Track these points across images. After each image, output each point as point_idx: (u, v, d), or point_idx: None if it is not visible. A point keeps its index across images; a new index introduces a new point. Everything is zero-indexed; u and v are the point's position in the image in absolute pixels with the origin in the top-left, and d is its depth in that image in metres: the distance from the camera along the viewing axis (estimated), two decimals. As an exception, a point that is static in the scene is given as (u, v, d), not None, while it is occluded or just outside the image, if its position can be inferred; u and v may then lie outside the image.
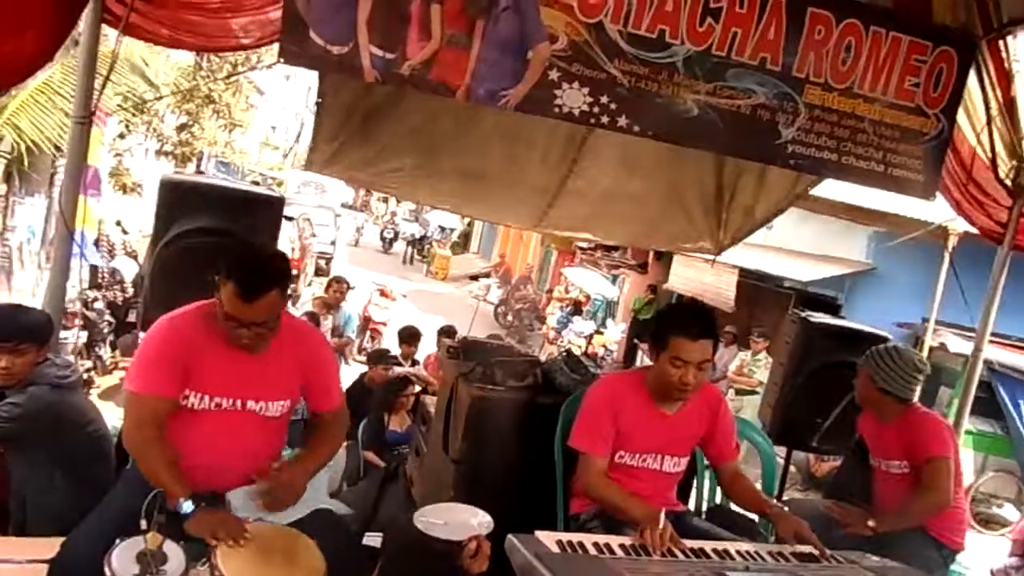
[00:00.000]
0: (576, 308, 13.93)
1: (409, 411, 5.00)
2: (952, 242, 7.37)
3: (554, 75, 3.06)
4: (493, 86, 3.05)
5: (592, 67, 3.09)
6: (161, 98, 10.40)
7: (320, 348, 2.49)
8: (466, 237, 29.48)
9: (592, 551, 2.07)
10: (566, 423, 2.75)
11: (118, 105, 7.18)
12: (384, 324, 11.05)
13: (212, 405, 2.26)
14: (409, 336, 6.55)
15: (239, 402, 2.28)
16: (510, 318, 15.55)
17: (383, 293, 11.28)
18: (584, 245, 16.14)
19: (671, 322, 2.56)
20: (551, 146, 5.02)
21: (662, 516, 2.37)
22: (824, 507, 3.33)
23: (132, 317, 8.58)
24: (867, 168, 3.61)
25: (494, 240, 25.77)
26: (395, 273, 19.49)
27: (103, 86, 2.96)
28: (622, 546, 2.15)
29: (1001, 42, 3.61)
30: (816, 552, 2.34)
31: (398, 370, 5.28)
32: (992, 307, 4.29)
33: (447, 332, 7.65)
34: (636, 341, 12.36)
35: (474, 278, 21.33)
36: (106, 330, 7.96)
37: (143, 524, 1.81)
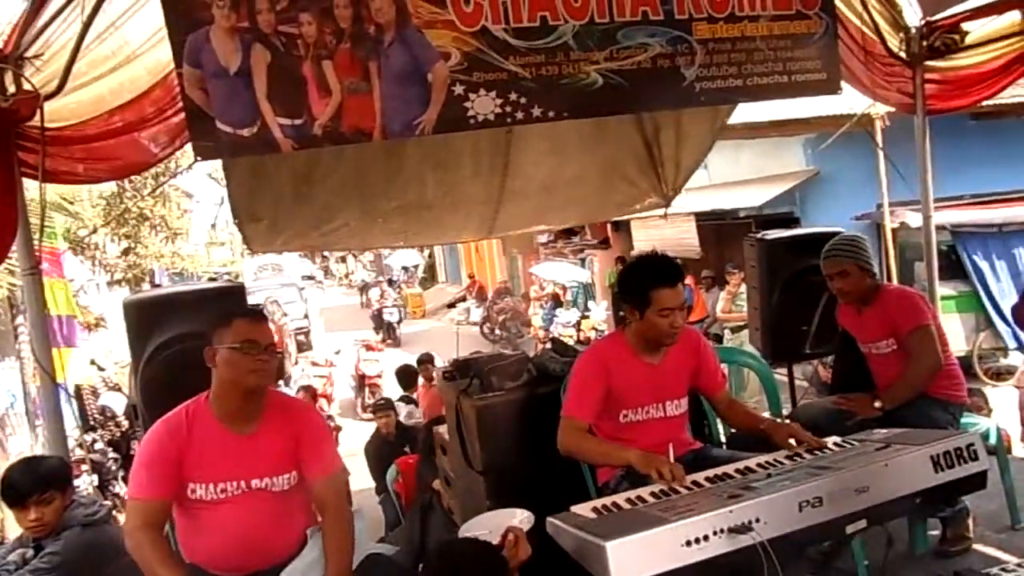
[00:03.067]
0: (556, 301, 14.07)
1: None
2: (879, 125, 7.62)
3: (459, 89, 3.14)
4: (405, 118, 3.12)
5: (491, 70, 3.18)
6: (96, 230, 10.41)
7: (309, 417, 2.55)
8: (431, 269, 29.59)
9: (626, 506, 2.18)
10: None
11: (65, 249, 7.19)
12: (379, 376, 11.12)
13: (219, 492, 2.32)
14: (406, 374, 6.64)
15: (243, 483, 2.33)
16: (497, 332, 15.64)
17: (368, 347, 11.37)
18: (544, 239, 16.31)
19: (646, 277, 2.67)
20: (479, 157, 5.14)
21: (670, 451, 2.50)
22: (832, 403, 3.48)
23: (133, 448, 8.60)
24: (772, 83, 3.73)
25: (458, 264, 25.89)
26: (371, 326, 19.49)
27: (40, 233, 3.03)
28: (652, 494, 2.26)
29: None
30: (820, 444, 2.46)
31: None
32: (927, 175, 4.48)
33: (426, 360, 7.79)
34: (622, 313, 12.50)
35: (451, 305, 21.35)
36: (114, 467, 7.94)
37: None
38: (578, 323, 12.70)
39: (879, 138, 7.97)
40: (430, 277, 29.25)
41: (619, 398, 2.71)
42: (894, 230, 8.41)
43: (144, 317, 3.35)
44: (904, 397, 3.22)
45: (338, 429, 8.31)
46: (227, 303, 3.49)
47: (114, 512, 7.51)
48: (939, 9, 3.97)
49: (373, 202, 5.27)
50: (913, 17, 4.14)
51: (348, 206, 5.19)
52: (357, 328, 18.56)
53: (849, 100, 8.17)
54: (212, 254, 30.43)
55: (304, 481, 2.43)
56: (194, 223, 21.91)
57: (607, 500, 2.26)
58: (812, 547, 2.66)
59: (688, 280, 8.84)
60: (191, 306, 3.41)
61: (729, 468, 2.38)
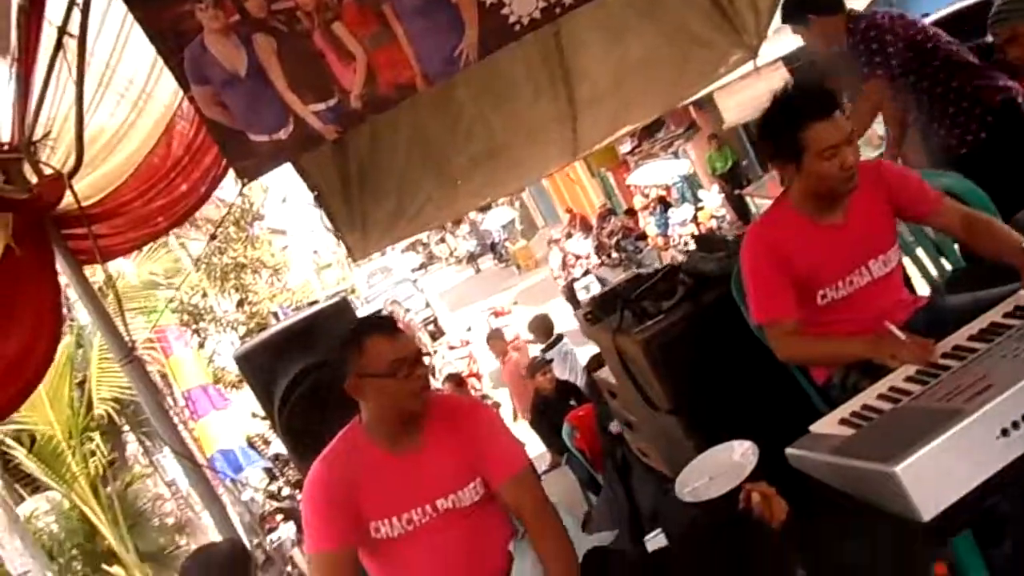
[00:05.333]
0: (664, 203, 13.31)
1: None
2: None
3: (489, -1, 2.67)
4: (443, 53, 2.70)
5: (519, -37, 2.68)
6: (206, 294, 10.62)
7: (477, 416, 2.18)
8: (528, 219, 29.16)
9: (884, 406, 1.66)
10: (744, 301, 2.36)
11: (178, 322, 7.27)
12: (517, 338, 10.88)
13: (405, 524, 2.01)
14: (540, 327, 6.33)
15: (428, 508, 2.01)
16: (614, 255, 15.06)
17: (496, 313, 11.14)
18: (627, 148, 15.48)
19: (790, 117, 2.08)
20: (535, 75, 4.60)
21: (893, 329, 1.95)
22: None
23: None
24: None
25: (551, 204, 25.34)
26: (492, 292, 19.38)
27: (122, 316, 2.81)
28: (908, 379, 1.74)
29: None
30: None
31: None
32: None
33: (494, 336, 8.32)
34: (738, 192, 11.65)
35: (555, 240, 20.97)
36: (305, 507, 8.10)
37: None
38: (695, 218, 11.91)
39: None
40: (529, 227, 28.82)
41: (810, 278, 2.16)
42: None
43: (260, 366, 3.13)
44: None
45: (497, 405, 8.11)
46: (339, 321, 3.22)
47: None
48: None
49: (445, 164, 4.86)
50: None
51: (423, 178, 4.81)
52: (478, 299, 18.48)
53: None
54: (324, 277, 31.42)
55: (491, 488, 2.07)
56: (294, 255, 22.44)
57: (854, 406, 1.74)
58: None
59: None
60: (302, 338, 3.17)
61: (996, 316, 1.79)
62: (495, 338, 8.52)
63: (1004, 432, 1.34)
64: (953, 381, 1.57)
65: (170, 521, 6.97)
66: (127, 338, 2.71)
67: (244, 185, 2.67)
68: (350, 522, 1.98)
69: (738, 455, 2.26)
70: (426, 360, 2.01)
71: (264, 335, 3.31)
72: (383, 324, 2.08)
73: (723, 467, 2.26)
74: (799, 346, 2.15)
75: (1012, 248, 2.01)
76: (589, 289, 11.09)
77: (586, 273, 11.87)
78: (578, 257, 12.32)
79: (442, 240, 36.16)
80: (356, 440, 2.06)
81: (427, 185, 4.91)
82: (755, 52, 5.46)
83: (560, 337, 7.59)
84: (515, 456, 2.12)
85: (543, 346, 7.72)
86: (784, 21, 3.47)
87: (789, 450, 1.72)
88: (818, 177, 2.09)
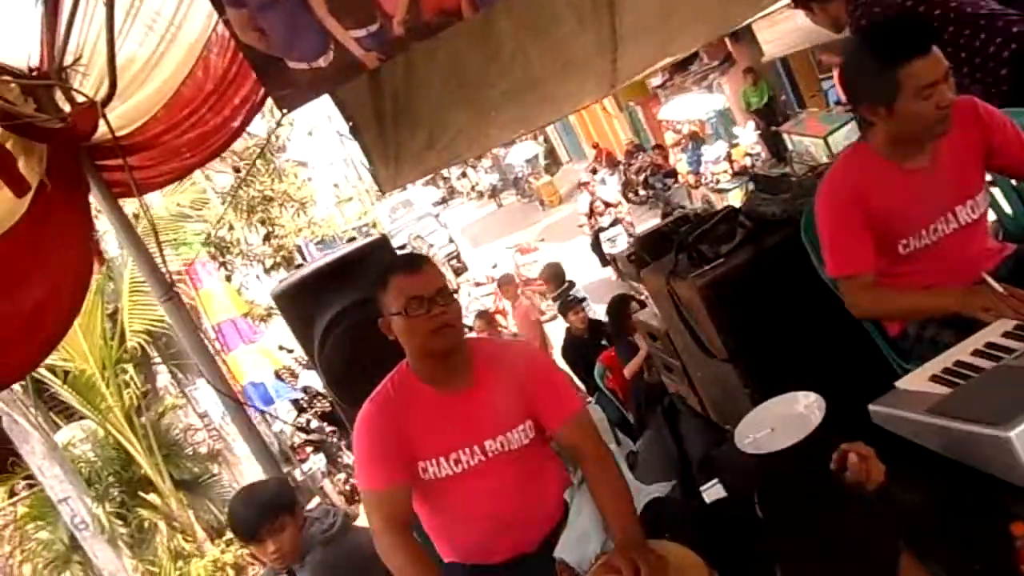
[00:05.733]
0: (697, 139, 12.95)
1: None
2: None
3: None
4: (490, -25, 2.53)
5: None
6: (232, 227, 10.56)
7: (530, 358, 2.09)
8: (552, 154, 28.69)
9: (983, 363, 1.55)
10: (815, 247, 2.22)
11: (209, 255, 7.23)
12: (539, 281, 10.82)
13: (453, 464, 1.96)
14: (553, 275, 6.21)
15: (476, 448, 1.96)
16: (642, 192, 14.79)
17: (522, 250, 11.01)
18: (658, 81, 15.01)
19: (885, 54, 1.91)
20: (578, 4, 4.41)
21: (990, 280, 1.82)
22: None
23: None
24: None
25: (577, 139, 24.87)
26: (516, 228, 19.21)
27: (161, 254, 2.73)
28: (1006, 335, 1.61)
29: None
30: None
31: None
32: None
33: (504, 282, 8.20)
34: (773, 129, 11.29)
35: (584, 183, 20.64)
36: (335, 439, 8.20)
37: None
38: (728, 155, 11.58)
39: None
40: (553, 162, 28.37)
41: (892, 227, 2.01)
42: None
43: (299, 304, 3.07)
44: None
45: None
46: (377, 258, 3.14)
47: (351, 481, 7.84)
48: None
49: (480, 95, 4.67)
50: None
51: (456, 109, 4.64)
52: (502, 235, 18.32)
53: None
54: (345, 211, 31.31)
55: (544, 432, 2.01)
56: (318, 188, 22.30)
57: (947, 362, 1.62)
58: None
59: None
60: (341, 275, 3.10)
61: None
62: (506, 283, 8.48)
63: None
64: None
65: (203, 451, 7.09)
66: (166, 273, 2.63)
67: (283, 116, 2.54)
68: (400, 462, 1.94)
69: (802, 407, 2.15)
70: (448, 298, 1.91)
71: (301, 272, 3.23)
72: (405, 261, 2.05)
73: (786, 419, 2.16)
74: (879, 300, 2.03)
75: None
76: (615, 242, 10.35)
77: (614, 223, 10.71)
78: (608, 205, 10.93)
79: (463, 175, 35.80)
80: (405, 380, 2.02)
81: (460, 117, 4.74)
82: (809, -26, 5.16)
83: (572, 284, 7.55)
84: (571, 398, 2.05)
85: (555, 293, 7.66)
86: (795, 5, 3.34)
87: (873, 407, 1.62)
88: (913, 117, 1.92)
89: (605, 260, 10.56)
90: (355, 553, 2.75)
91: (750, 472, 2.15)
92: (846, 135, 8.85)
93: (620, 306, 4.95)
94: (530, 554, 2.00)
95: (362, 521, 2.52)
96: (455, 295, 1.96)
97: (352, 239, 3.53)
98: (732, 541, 1.95)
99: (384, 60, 2.60)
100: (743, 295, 2.50)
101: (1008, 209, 2.49)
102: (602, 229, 10.68)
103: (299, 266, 3.95)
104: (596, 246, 10.87)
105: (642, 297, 4.81)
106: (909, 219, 2.02)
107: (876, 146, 2.05)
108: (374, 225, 26.18)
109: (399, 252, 2.75)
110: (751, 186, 2.79)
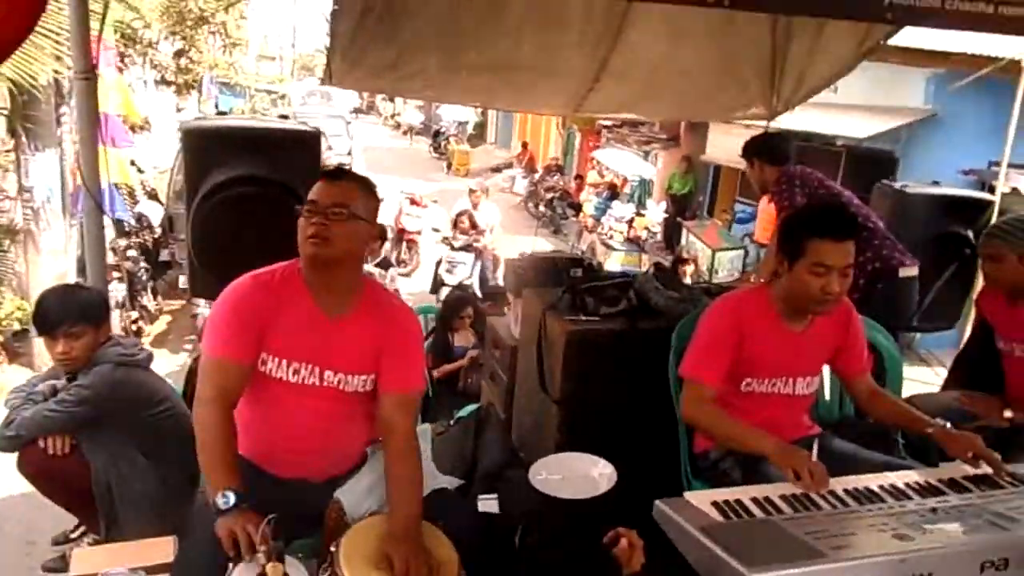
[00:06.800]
0: (613, 192, 13.43)
1: (471, 328, 4.84)
2: (1026, 77, 6.77)
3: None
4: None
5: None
6: (149, 25, 9.77)
7: (406, 320, 2.17)
8: (481, 128, 28.62)
9: (757, 512, 1.81)
10: (679, 350, 2.46)
11: (116, 41, 6.62)
12: (418, 233, 10.76)
13: (290, 372, 2.01)
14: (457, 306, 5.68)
15: (317, 370, 2.03)
16: (542, 209, 15.12)
17: (413, 201, 10.89)
18: (608, 123, 15.43)
19: (808, 224, 2.21)
20: (588, 25, 4.54)
21: (814, 449, 2.14)
22: (954, 399, 3.05)
23: (164, 257, 8.44)
24: (974, 11, 3.08)
25: (511, 128, 24.96)
26: (416, 175, 18.99)
27: (100, 34, 2.55)
28: (783, 498, 1.90)
29: None
30: (992, 470, 2.08)
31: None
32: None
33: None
34: (678, 219, 11.94)
35: (496, 170, 20.75)
36: (144, 277, 7.78)
37: (260, 557, 1.58)
38: (631, 220, 12.12)
39: (1021, 90, 7.15)
40: (479, 135, 28.31)
41: (747, 365, 2.29)
42: (1003, 194, 7.67)
43: (206, 148, 2.98)
44: None
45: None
46: (300, 150, 3.09)
47: (140, 323, 7.46)
48: None
49: (459, 53, 4.68)
50: None
51: (431, 52, 4.62)
52: (401, 175, 18.04)
53: (995, 41, 7.33)
54: (261, 68, 29.59)
55: (377, 390, 2.09)
56: (249, 32, 20.97)
57: (728, 494, 1.89)
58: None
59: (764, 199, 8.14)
60: (258, 145, 3.03)
61: (871, 483, 1.99)
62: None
63: (849, 591, 1.51)
64: (824, 522, 1.73)
65: (2, 220, 6.50)
66: (95, 52, 2.47)
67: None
68: (251, 343, 1.98)
69: (596, 472, 2.38)
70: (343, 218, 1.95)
71: (224, 122, 3.12)
72: (332, 171, 2.13)
73: (579, 474, 2.38)
74: (709, 414, 2.28)
75: (912, 426, 2.31)
76: (454, 271, 8.66)
77: (467, 248, 8.83)
78: (474, 227, 9.05)
79: (391, 99, 34.87)
80: (292, 276, 2.05)
81: (432, 59, 4.72)
82: (773, 116, 5.59)
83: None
84: (412, 378, 2.14)
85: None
86: (741, 154, 4.07)
87: (659, 504, 1.85)
88: (800, 284, 2.21)
89: (436, 286, 8.73)
90: (141, 386, 2.77)
91: (527, 504, 2.35)
92: (730, 259, 9.58)
93: (456, 304, 5.12)
94: (313, 483, 2.08)
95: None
96: (353, 220, 1.97)
97: (284, 117, 3.43)
98: (486, 554, 2.12)
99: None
100: (598, 356, 2.71)
101: (827, 397, 2.89)
102: (453, 248, 8.96)
103: (222, 114, 3.78)
104: (437, 271, 9.03)
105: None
106: (763, 366, 2.31)
107: (773, 295, 2.33)
108: (282, 97, 24.96)
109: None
110: (651, 271, 3.02)
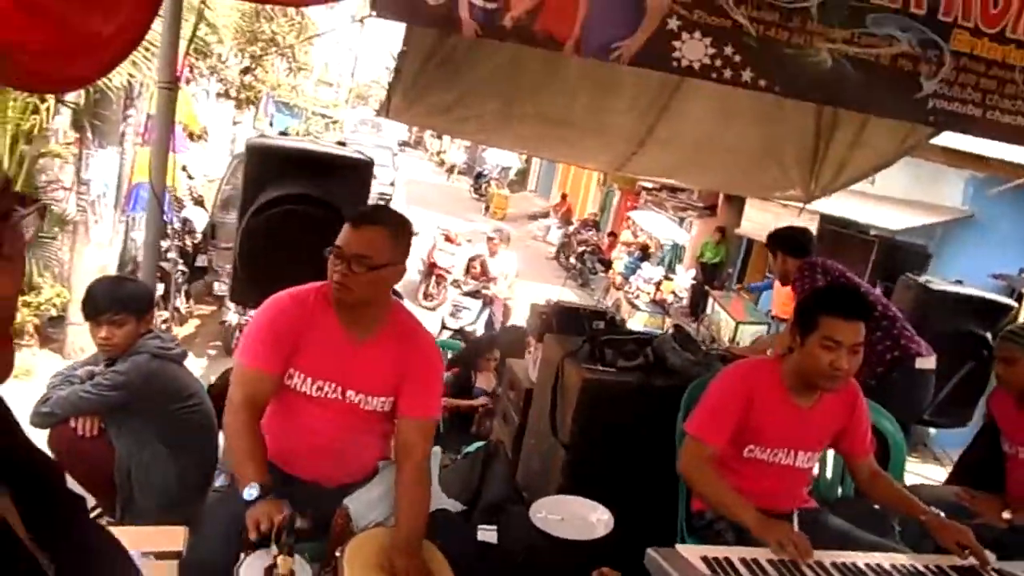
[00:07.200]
0: (644, 253, 13.58)
1: (495, 371, 4.91)
2: (1066, 189, 6.82)
3: (673, 24, 2.70)
4: (605, 38, 2.72)
5: (716, 14, 2.72)
6: (221, 40, 10.20)
7: (428, 349, 2.29)
8: (523, 174, 29.08)
9: (744, 572, 1.89)
10: (688, 409, 2.55)
11: (188, 53, 6.94)
12: (450, 270, 10.94)
13: (314, 389, 2.16)
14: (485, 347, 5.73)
15: (340, 389, 2.16)
16: (572, 261, 15.30)
17: (448, 238, 11.13)
18: (649, 185, 15.67)
19: (822, 302, 2.33)
20: (641, 93, 4.73)
21: (794, 519, 2.22)
22: (955, 495, 3.09)
23: (200, 262, 8.69)
24: (1013, 123, 3.19)
25: (553, 178, 25.36)
26: (455, 213, 19.32)
27: (188, 49, 2.77)
28: (771, 562, 1.96)
29: None
30: (978, 564, 2.12)
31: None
32: None
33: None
34: (706, 288, 12.02)
35: (533, 217, 21.06)
36: (180, 280, 8.01)
37: (273, 548, 1.68)
38: (659, 282, 12.24)
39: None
40: (520, 182, 28.76)
41: (752, 433, 2.38)
42: (1031, 302, 7.67)
43: (267, 163, 3.18)
44: None
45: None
46: (352, 176, 3.27)
47: (170, 324, 7.66)
48: None
49: (516, 103, 4.91)
50: None
51: (488, 100, 4.84)
52: (440, 211, 18.38)
53: (1036, 148, 7.42)
54: (319, 92, 30.43)
55: (395, 412, 2.22)
56: (313, 58, 21.69)
57: (719, 552, 1.96)
58: None
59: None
60: (315, 167, 3.23)
61: (858, 560, 2.05)
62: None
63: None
64: (806, 589, 1.80)
65: (56, 210, 6.77)
66: (181, 63, 2.68)
67: (369, 16, 2.66)
68: (282, 357, 2.12)
69: (594, 517, 2.47)
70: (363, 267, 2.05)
71: (285, 142, 3.32)
72: (360, 214, 2.18)
73: (578, 517, 2.47)
74: (702, 473, 2.34)
75: (907, 511, 2.36)
76: (459, 315, 8.63)
77: (475, 294, 8.78)
78: (485, 274, 8.98)
79: (439, 137, 35.57)
80: (324, 298, 2.18)
81: (489, 107, 4.94)
82: (810, 200, 5.70)
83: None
84: (431, 405, 2.26)
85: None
86: (766, 245, 4.28)
87: (651, 551, 1.93)
88: (810, 359, 2.30)
89: (440, 328, 8.45)
90: (174, 380, 2.89)
91: (526, 540, 2.43)
92: (752, 332, 9.61)
93: (484, 345, 5.19)
94: (326, 488, 2.20)
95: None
96: (376, 270, 2.07)
97: (341, 143, 3.62)
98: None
99: (480, 36, 2.75)
100: (611, 406, 2.81)
101: (828, 476, 2.94)
102: (463, 293, 9.00)
103: (283, 133, 3.99)
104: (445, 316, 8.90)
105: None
106: (768, 436, 2.39)
107: (784, 370, 2.41)
108: (335, 122, 25.62)
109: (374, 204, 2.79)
110: (670, 331, 3.12)
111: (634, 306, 10.90)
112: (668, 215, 14.17)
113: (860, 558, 2.07)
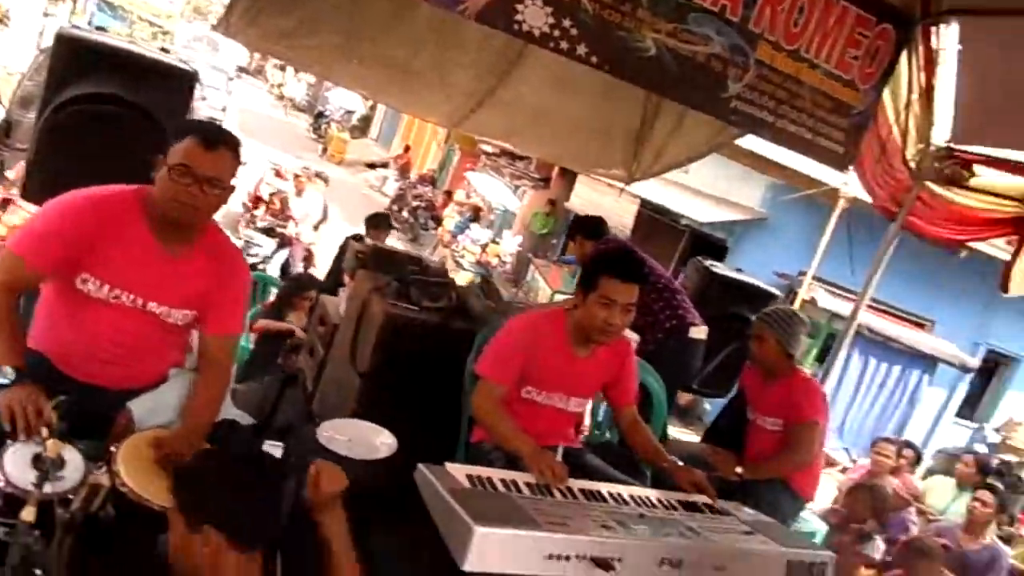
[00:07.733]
0: (475, 215, 13.85)
1: (307, 311, 4.89)
2: (840, 205, 7.81)
3: (519, -13, 2.88)
4: (453, -10, 2.86)
5: (560, -15, 2.94)
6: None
7: (238, 269, 2.32)
8: (366, 121, 28.36)
9: (500, 487, 2.12)
10: (480, 351, 2.76)
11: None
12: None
13: (110, 296, 2.09)
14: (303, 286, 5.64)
15: (140, 300, 2.12)
16: (405, 215, 15.29)
17: (278, 174, 10.70)
18: (489, 149, 15.92)
19: (602, 264, 2.59)
20: (484, 52, 4.85)
21: (558, 453, 2.50)
22: (700, 450, 3.56)
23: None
24: (797, 134, 3.66)
25: (396, 130, 24.98)
26: (288, 150, 18.56)
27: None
28: (527, 484, 2.22)
29: (935, 28, 3.70)
30: (704, 502, 2.50)
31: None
32: (875, 278, 4.56)
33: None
34: (529, 256, 12.50)
35: (371, 166, 20.69)
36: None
37: (43, 431, 1.68)
38: (485, 245, 12.57)
39: (835, 215, 8.23)
40: (362, 128, 28.03)
41: (532, 376, 2.62)
42: (803, 301, 8.74)
43: (76, 58, 2.98)
44: (765, 476, 3.34)
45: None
46: (169, 87, 3.14)
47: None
48: (971, 142, 3.97)
49: (359, 41, 4.85)
50: (939, 136, 4.14)
51: (328, 32, 4.75)
52: (273, 146, 17.57)
53: (823, 167, 8.42)
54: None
55: (197, 325, 2.25)
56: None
57: (483, 471, 2.19)
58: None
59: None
60: (131, 69, 3.07)
61: (603, 488, 2.36)
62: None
63: (551, 556, 1.83)
64: (550, 506, 2.07)
65: None
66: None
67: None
68: (63, 260, 2.04)
69: (379, 441, 2.62)
70: (216, 190, 2.04)
71: (100, 36, 3.13)
72: (208, 135, 2.08)
73: (363, 440, 2.60)
74: (492, 410, 2.55)
75: (653, 458, 2.71)
76: (247, 252, 7.65)
77: (270, 231, 8.40)
78: (285, 211, 8.65)
79: (282, 68, 33.81)
80: (132, 204, 2.11)
81: (330, 40, 4.84)
82: (629, 181, 6.12)
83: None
84: (235, 322, 2.32)
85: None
86: (566, 235, 4.67)
87: (421, 466, 2.12)
88: (589, 315, 2.57)
89: None
90: None
91: (311, 457, 2.54)
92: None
93: (302, 284, 5.18)
94: (107, 389, 2.17)
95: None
96: (225, 192, 2.08)
97: (164, 51, 3.45)
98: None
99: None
100: (409, 342, 2.96)
101: (598, 420, 3.30)
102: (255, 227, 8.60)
103: (100, 28, 3.72)
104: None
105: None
106: (544, 378, 2.65)
107: (567, 321, 2.67)
108: (166, 33, 23.61)
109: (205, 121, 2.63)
110: (478, 279, 3.31)
111: (459, 264, 11.16)
112: (504, 181, 14.51)
113: (603, 486, 2.38)
